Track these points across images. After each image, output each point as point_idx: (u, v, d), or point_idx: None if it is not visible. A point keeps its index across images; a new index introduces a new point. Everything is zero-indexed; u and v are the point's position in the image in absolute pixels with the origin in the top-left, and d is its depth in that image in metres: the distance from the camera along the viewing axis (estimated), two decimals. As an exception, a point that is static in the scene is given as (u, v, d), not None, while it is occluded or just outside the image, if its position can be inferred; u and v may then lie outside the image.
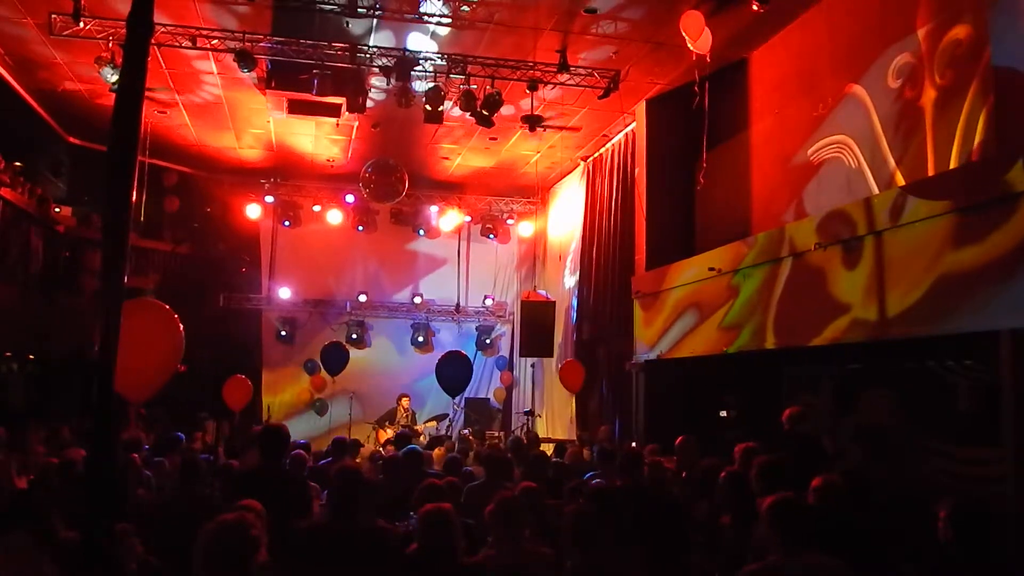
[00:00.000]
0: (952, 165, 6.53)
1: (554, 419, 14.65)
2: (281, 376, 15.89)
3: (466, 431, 14.31)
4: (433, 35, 9.61)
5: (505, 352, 17.31)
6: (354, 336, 16.25)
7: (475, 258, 17.36)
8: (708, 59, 8.53)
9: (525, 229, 16.70)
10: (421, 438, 13.38)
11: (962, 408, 6.73)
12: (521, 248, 17.25)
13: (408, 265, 17.08)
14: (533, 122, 10.69)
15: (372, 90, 10.82)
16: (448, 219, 16.58)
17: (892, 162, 7.34)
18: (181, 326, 7.67)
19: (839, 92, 8.19)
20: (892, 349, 6.82)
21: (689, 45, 8.32)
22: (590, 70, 10.20)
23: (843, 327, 6.70)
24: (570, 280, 14.69)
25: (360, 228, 16.24)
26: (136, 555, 3.78)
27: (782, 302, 7.65)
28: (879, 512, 4.66)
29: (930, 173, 6.77)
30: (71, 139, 13.45)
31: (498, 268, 17.55)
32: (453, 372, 13.99)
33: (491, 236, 16.98)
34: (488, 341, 17.13)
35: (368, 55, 9.89)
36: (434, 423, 14.73)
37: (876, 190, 7.36)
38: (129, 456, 5.86)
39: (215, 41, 9.44)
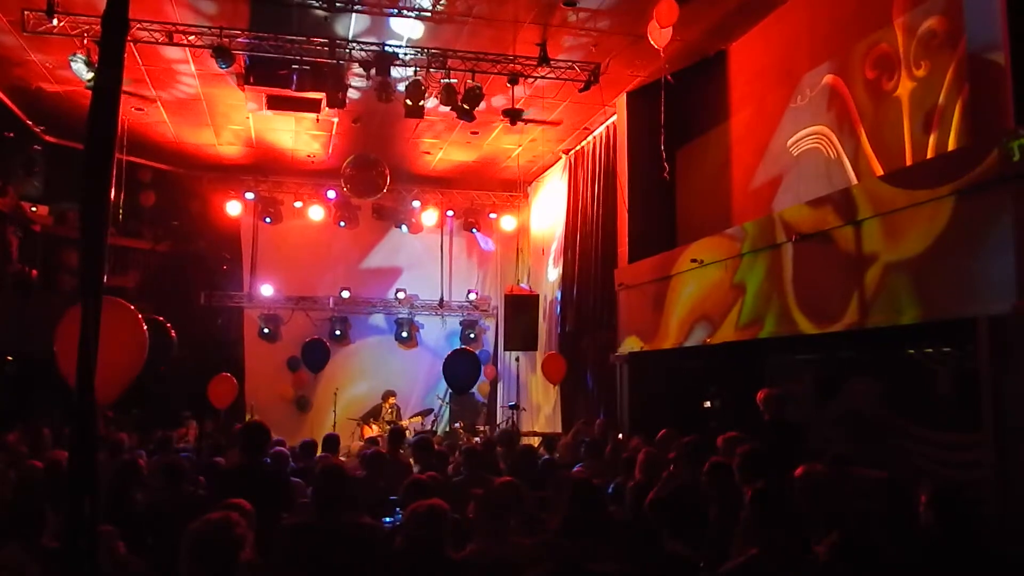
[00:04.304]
0: (929, 155, 6.60)
1: (539, 412, 14.68)
2: (264, 373, 15.78)
3: (457, 424, 14.34)
4: (412, 29, 9.57)
5: (489, 346, 17.32)
6: (337, 332, 16.19)
7: (458, 252, 17.34)
8: (663, 55, 8.68)
9: (508, 223, 16.68)
10: (407, 433, 13.38)
11: (942, 395, 6.80)
12: (504, 242, 17.24)
13: (391, 260, 17.02)
14: (514, 116, 10.68)
15: (352, 85, 10.76)
16: (430, 214, 16.55)
17: (871, 152, 7.40)
18: (144, 326, 7.57)
19: (817, 83, 8.24)
20: (873, 337, 6.87)
21: (653, 43, 8.51)
22: (570, 63, 10.20)
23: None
24: (553, 273, 14.70)
25: (342, 224, 16.17)
26: (117, 557, 3.76)
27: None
28: (862, 498, 4.70)
29: (908, 163, 6.84)
30: (46, 137, 13.30)
31: (481, 262, 17.56)
32: (462, 370, 14.00)
33: (474, 230, 16.97)
34: (472, 335, 17.11)
35: (348, 50, 9.84)
36: (419, 419, 14.73)
37: (855, 180, 7.42)
38: (134, 460, 5.85)
39: (192, 37, 9.35)
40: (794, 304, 7.31)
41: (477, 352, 16.98)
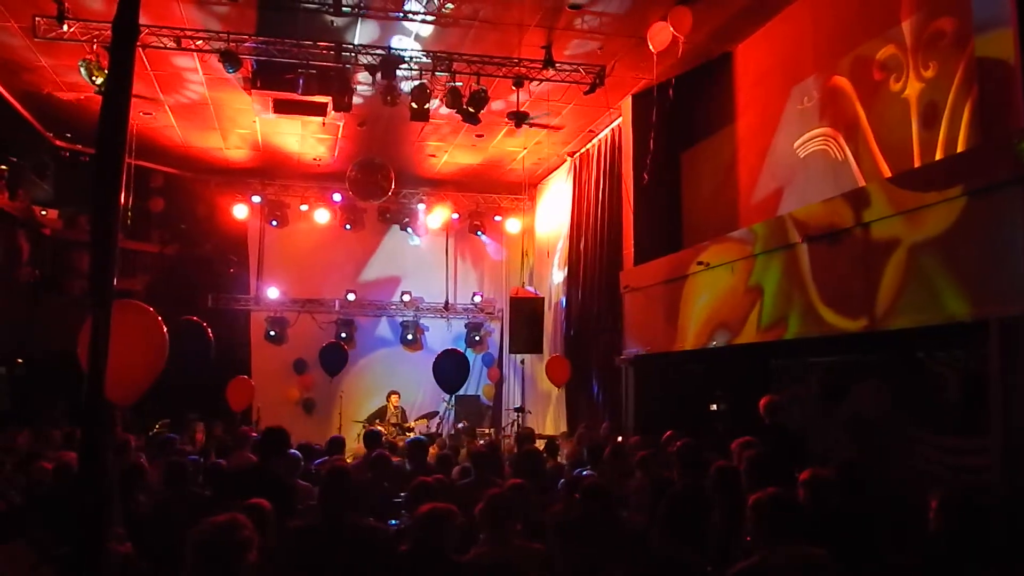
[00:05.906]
0: (938, 156, 6.57)
1: (545, 415, 14.67)
2: (270, 376, 15.77)
3: (461, 425, 14.33)
4: (418, 33, 9.59)
5: (495, 349, 17.32)
6: (343, 335, 16.20)
7: (463, 255, 17.36)
8: (655, 59, 8.85)
9: (513, 225, 16.69)
10: (412, 435, 13.37)
11: (950, 398, 6.76)
12: (509, 244, 17.24)
13: (396, 263, 17.02)
14: (519, 119, 10.69)
15: (358, 89, 10.79)
16: (436, 217, 16.57)
17: (878, 154, 7.38)
18: (165, 328, 7.59)
19: (824, 85, 8.22)
20: (880, 340, 6.84)
21: (651, 47, 8.65)
22: (575, 66, 10.19)
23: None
24: (558, 276, 14.70)
25: (348, 227, 16.19)
26: (122, 558, 3.77)
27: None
28: (870, 502, 4.69)
29: (916, 164, 6.81)
30: (57, 142, 13.36)
31: (486, 265, 17.57)
32: (450, 370, 14.00)
33: (479, 233, 16.96)
34: (477, 338, 17.12)
35: (353, 54, 9.86)
36: (425, 421, 14.72)
37: (862, 182, 7.39)
38: (138, 462, 5.87)
39: (199, 42, 9.38)
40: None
41: (481, 355, 17.05)
